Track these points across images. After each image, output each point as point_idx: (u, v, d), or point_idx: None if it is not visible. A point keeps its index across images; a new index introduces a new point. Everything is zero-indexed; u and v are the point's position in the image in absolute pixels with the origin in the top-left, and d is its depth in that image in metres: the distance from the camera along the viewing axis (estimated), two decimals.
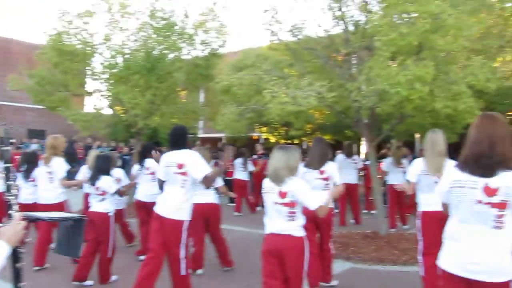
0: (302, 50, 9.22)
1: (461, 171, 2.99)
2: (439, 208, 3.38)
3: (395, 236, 8.80)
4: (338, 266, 7.22)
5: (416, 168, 5.30)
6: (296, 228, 4.13)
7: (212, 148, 20.09)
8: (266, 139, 20.43)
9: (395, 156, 10.36)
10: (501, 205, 2.83)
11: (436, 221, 4.77)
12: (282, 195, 4.11)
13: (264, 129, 18.02)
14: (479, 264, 2.84)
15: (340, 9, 8.75)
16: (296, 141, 17.64)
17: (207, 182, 5.11)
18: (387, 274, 6.96)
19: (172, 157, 5.23)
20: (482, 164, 2.91)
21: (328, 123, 15.38)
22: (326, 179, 5.89)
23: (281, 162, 4.15)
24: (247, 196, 13.06)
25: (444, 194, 3.14)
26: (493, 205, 2.84)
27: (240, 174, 12.99)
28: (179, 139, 5.30)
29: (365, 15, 8.51)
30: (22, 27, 62.30)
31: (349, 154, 11.10)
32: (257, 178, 13.19)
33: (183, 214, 5.09)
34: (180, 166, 5.09)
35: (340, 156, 11.41)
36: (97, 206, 6.25)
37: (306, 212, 5.73)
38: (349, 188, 10.93)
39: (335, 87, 8.06)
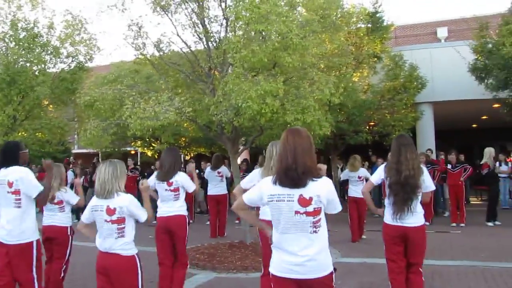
0: (165, 65, 9.32)
1: (278, 185, 3.21)
2: None
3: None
4: (203, 277, 7.41)
5: (252, 178, 5.37)
6: (125, 246, 4.13)
7: (85, 164, 19.51)
8: (143, 153, 20.20)
9: (261, 167, 10.74)
10: (316, 212, 3.13)
11: None
12: (110, 212, 4.09)
13: (139, 143, 17.80)
14: (304, 265, 3.11)
15: (203, 25, 8.99)
16: None
17: (43, 200, 4.94)
18: (249, 281, 7.19)
19: (1, 175, 4.92)
20: (290, 176, 3.15)
21: (201, 136, 15.56)
22: (174, 190, 5.98)
23: (108, 174, 4.15)
24: None
25: (253, 198, 3.37)
26: (308, 213, 3.12)
27: None
28: (9, 155, 4.98)
29: (226, 31, 8.82)
30: None
31: (214, 167, 11.33)
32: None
33: (29, 235, 4.85)
34: (11, 184, 4.81)
35: (207, 169, 11.64)
36: None
37: (161, 223, 5.85)
38: (217, 199, 11.23)
39: (196, 102, 8.25)
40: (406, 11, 44.93)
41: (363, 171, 10.47)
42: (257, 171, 5.45)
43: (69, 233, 6.25)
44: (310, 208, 3.12)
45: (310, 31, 7.65)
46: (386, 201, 5.03)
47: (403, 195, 4.78)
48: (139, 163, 20.11)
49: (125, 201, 4.13)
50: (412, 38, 23.30)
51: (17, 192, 4.81)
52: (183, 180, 6.06)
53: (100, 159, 21.63)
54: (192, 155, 18.80)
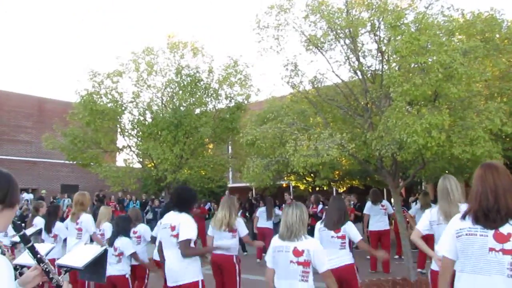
0: (322, 102, 9.48)
1: (468, 221, 2.97)
2: None
3: (425, 282, 8.70)
4: None
5: (427, 220, 4.92)
6: None
7: (241, 198, 20.36)
8: (295, 186, 20.52)
9: (421, 202, 10.35)
10: None
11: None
12: (298, 253, 4.07)
13: (292, 177, 18.12)
14: None
15: (358, 59, 9.03)
16: (325, 188, 17.67)
17: (183, 247, 5.01)
18: None
19: (167, 218, 5.29)
20: (491, 218, 2.87)
21: (355, 169, 15.40)
22: (341, 237, 5.85)
23: (295, 216, 4.17)
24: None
25: (449, 245, 3.07)
26: (506, 251, 2.77)
27: (263, 222, 13.06)
28: (184, 203, 5.30)
29: (381, 64, 8.76)
30: (55, 86, 64.68)
31: (375, 201, 11.15)
32: None
33: (196, 274, 5.12)
34: (173, 228, 5.13)
35: (368, 204, 11.47)
36: (114, 268, 6.28)
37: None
38: (379, 234, 10.99)
39: (356, 137, 8.24)
40: None
41: None
42: (428, 212, 5.02)
43: (235, 261, 6.47)
44: (508, 245, 2.77)
45: (473, 58, 7.29)
46: None
47: None
48: (291, 197, 20.50)
49: (314, 246, 4.12)
50: None
51: (177, 236, 5.10)
52: (351, 230, 5.94)
53: (253, 193, 22.48)
54: (345, 188, 18.70)
